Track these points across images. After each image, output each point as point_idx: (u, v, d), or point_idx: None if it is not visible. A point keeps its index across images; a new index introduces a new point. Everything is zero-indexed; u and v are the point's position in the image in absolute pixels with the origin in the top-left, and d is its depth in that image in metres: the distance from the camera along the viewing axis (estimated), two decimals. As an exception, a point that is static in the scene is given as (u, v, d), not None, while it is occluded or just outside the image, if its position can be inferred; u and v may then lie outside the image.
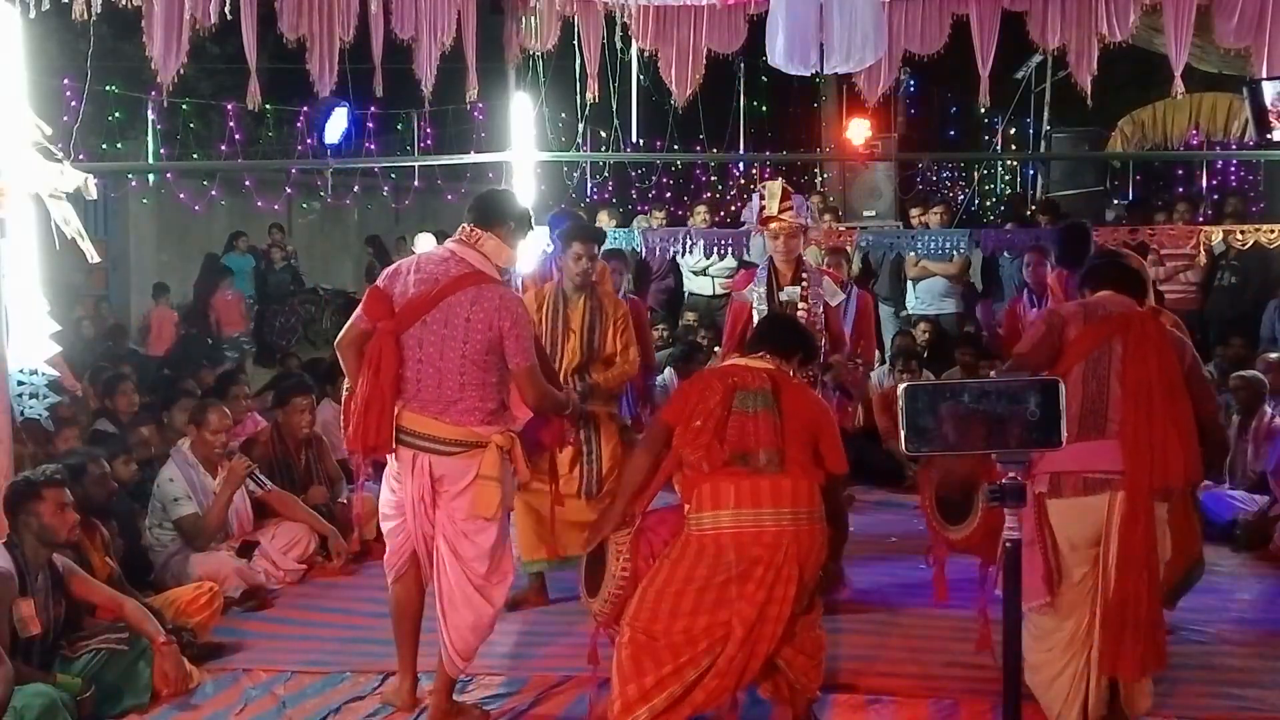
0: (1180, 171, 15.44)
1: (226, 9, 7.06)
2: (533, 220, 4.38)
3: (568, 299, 5.42)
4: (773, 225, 5.35)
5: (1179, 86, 8.76)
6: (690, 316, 10.01)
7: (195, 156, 13.55)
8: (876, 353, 9.68)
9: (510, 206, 4.22)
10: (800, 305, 5.28)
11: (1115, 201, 12.76)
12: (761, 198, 5.43)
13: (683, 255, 10.03)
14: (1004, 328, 7.35)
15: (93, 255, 6.02)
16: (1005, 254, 9.59)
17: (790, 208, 5.34)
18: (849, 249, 9.93)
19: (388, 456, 4.12)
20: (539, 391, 4.11)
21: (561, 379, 5.30)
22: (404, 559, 4.23)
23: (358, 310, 4.13)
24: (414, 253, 13.24)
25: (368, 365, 3.98)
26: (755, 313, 5.35)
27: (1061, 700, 3.73)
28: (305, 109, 11.84)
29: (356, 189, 13.73)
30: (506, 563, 4.19)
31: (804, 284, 5.32)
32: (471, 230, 4.09)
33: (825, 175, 14.84)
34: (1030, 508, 3.58)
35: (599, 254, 5.49)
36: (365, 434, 3.96)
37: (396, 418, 3.99)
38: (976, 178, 17.18)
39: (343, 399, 4.27)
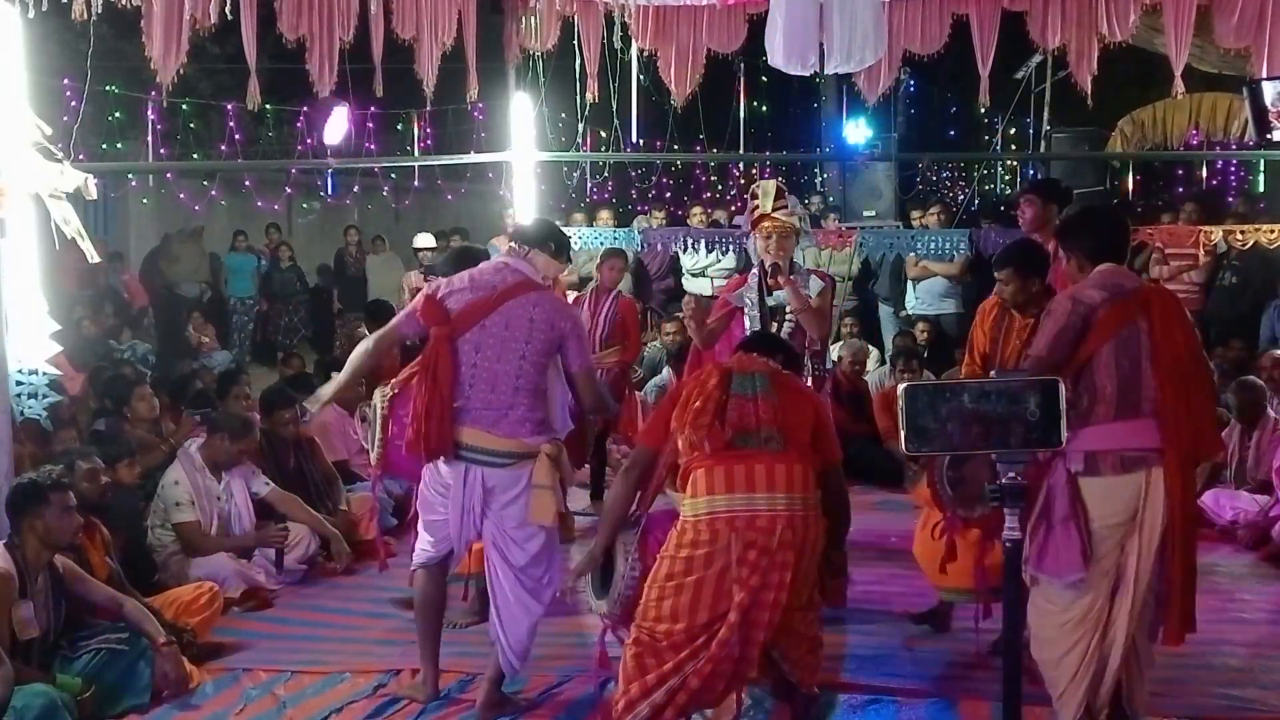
0: (1180, 171, 15.44)
1: (226, 9, 7.06)
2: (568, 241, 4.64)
3: None
4: (766, 224, 5.26)
5: (1179, 86, 8.76)
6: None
7: (195, 156, 13.56)
8: (875, 351, 9.75)
9: (552, 228, 4.53)
10: (789, 311, 5.21)
11: (1114, 201, 12.77)
12: (754, 197, 5.36)
13: (684, 252, 10.06)
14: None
15: (93, 255, 6.02)
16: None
17: (785, 206, 5.26)
18: (847, 250, 9.97)
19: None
20: (595, 393, 4.30)
21: None
22: (437, 554, 4.29)
23: (401, 315, 4.24)
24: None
25: (425, 372, 4.03)
26: (747, 317, 5.29)
27: (1068, 678, 3.71)
28: (305, 109, 11.88)
29: (356, 189, 13.74)
30: (555, 565, 4.27)
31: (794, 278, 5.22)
32: (521, 246, 4.34)
33: (825, 175, 14.85)
34: (1064, 485, 3.60)
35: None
36: (428, 439, 4.00)
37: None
38: (976, 178, 17.18)
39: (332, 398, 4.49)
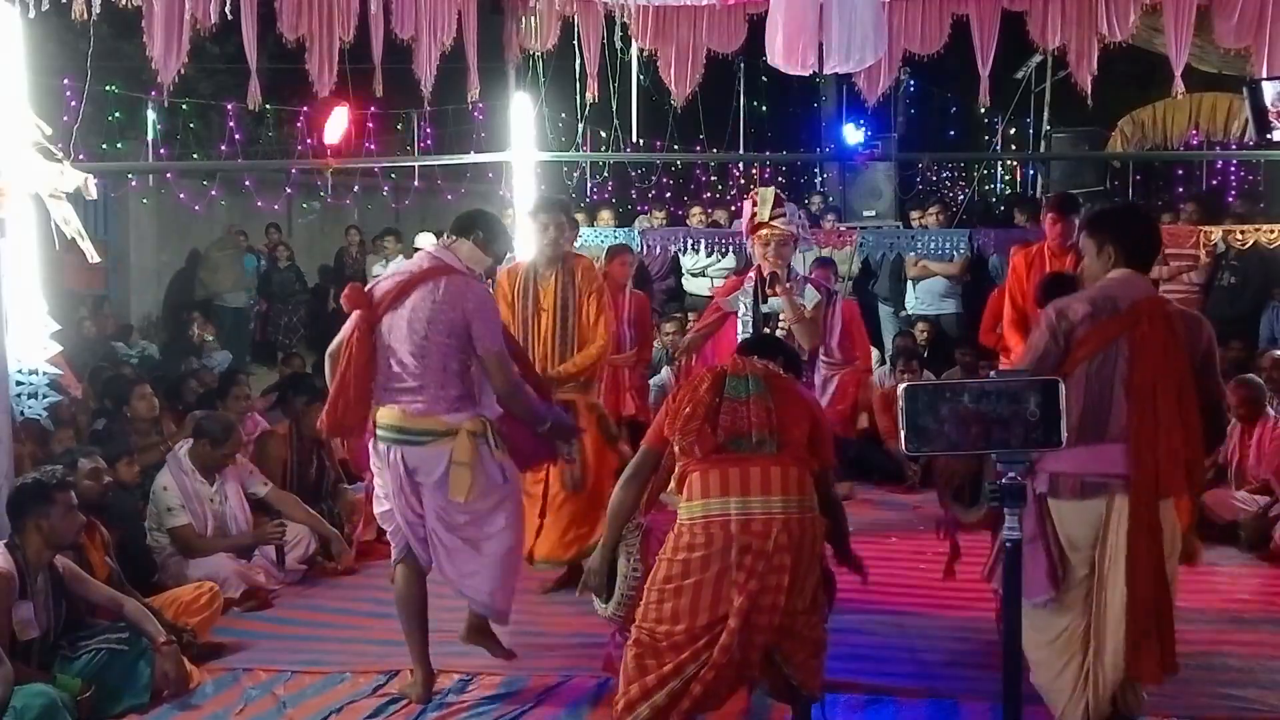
0: (1180, 171, 15.42)
1: (226, 9, 7.06)
2: (506, 228, 4.66)
3: (539, 274, 5.39)
4: (763, 232, 5.28)
5: (1179, 86, 8.76)
6: (690, 317, 10.01)
7: (195, 156, 13.54)
8: (876, 352, 9.74)
9: (482, 217, 4.47)
10: (782, 317, 5.22)
11: (1115, 200, 12.78)
12: (754, 204, 5.37)
13: (684, 253, 10.06)
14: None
15: (93, 255, 6.02)
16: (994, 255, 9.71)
17: (782, 214, 5.28)
18: (847, 250, 9.98)
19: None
20: (507, 380, 4.18)
21: (537, 361, 5.31)
22: (401, 549, 4.35)
23: (347, 323, 4.24)
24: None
25: (342, 353, 4.14)
26: (740, 322, 5.29)
27: (1066, 698, 3.70)
28: (305, 109, 11.87)
29: (356, 189, 13.73)
30: (508, 522, 4.25)
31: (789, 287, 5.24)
32: (447, 236, 4.36)
33: (825, 175, 14.85)
34: (1031, 505, 3.53)
35: (566, 222, 5.48)
36: (334, 415, 4.13)
37: (375, 414, 4.16)
38: (976, 178, 17.17)
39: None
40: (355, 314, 4.16)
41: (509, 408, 4.24)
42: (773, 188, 5.56)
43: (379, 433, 4.18)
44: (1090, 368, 3.57)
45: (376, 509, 4.38)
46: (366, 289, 4.25)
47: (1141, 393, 3.51)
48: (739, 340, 5.17)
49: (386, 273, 4.38)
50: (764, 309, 5.26)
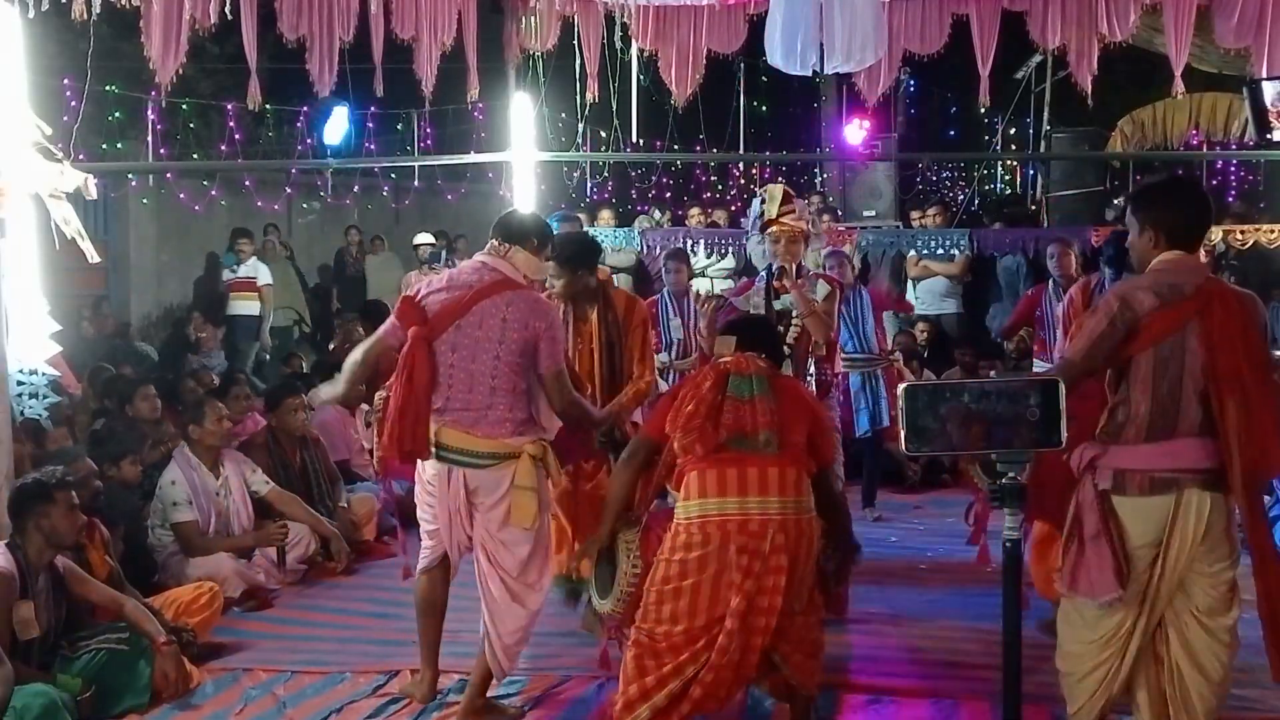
0: (1180, 171, 15.41)
1: (226, 9, 7.07)
2: (551, 233, 4.46)
3: (577, 308, 4.96)
4: (773, 229, 5.26)
5: (1179, 86, 8.77)
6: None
7: (195, 156, 13.54)
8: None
9: (534, 223, 4.33)
10: (795, 315, 5.22)
11: (1115, 201, 12.79)
12: (762, 201, 5.36)
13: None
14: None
15: (92, 255, 6.02)
16: (997, 254, 9.74)
17: (792, 211, 5.27)
18: (847, 248, 9.99)
19: (419, 462, 4.14)
20: (567, 397, 4.11)
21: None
22: (436, 557, 4.27)
23: (386, 324, 4.17)
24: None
25: (401, 372, 4.00)
26: None
27: (1088, 695, 3.59)
28: (305, 109, 11.88)
29: (356, 189, 13.73)
30: (546, 572, 4.21)
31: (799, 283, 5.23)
32: (500, 244, 4.17)
33: (825, 175, 14.86)
34: (1093, 502, 3.45)
35: (571, 279, 4.87)
36: (400, 440, 3.98)
37: (433, 433, 4.02)
38: (976, 178, 17.17)
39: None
40: (401, 326, 4.02)
41: (568, 421, 4.18)
42: (780, 185, 5.54)
43: (439, 453, 4.02)
44: (1156, 363, 3.38)
45: (424, 528, 4.26)
46: (417, 301, 4.06)
47: (1229, 381, 3.31)
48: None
49: (436, 284, 4.11)
50: (776, 305, 5.26)
